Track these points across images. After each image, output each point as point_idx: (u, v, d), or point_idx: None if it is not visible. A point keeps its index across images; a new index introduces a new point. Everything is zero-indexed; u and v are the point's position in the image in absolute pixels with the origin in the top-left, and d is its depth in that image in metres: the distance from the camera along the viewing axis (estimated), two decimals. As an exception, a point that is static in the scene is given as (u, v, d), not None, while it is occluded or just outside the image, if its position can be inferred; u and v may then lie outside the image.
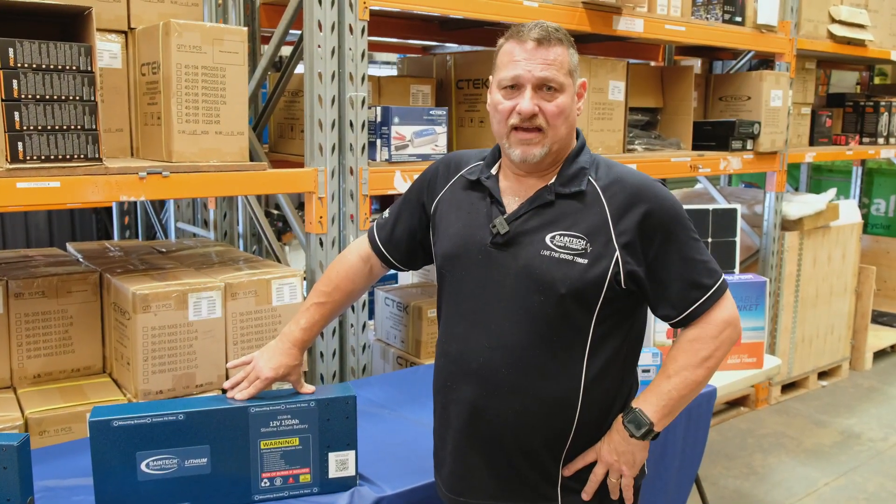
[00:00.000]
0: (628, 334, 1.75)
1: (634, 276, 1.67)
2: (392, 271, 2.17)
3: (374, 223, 2.04)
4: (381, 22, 3.51)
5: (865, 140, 5.65)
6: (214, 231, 3.59)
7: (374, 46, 2.78)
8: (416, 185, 1.97)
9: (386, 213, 2.02)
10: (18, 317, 2.41)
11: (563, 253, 1.66)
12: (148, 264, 2.71)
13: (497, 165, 1.82)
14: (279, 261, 3.07)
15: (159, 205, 4.20)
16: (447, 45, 4.44)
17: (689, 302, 1.69)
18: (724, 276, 1.73)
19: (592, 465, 1.75)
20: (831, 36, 4.89)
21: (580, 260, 1.65)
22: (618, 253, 1.65)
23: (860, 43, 5.05)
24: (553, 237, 1.67)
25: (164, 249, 3.05)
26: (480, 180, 1.80)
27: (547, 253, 1.66)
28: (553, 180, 1.73)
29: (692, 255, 1.69)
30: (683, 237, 1.69)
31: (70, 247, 3.13)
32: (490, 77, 1.75)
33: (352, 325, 2.86)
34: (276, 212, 6.35)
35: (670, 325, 1.74)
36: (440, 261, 1.84)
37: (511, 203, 1.75)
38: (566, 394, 1.69)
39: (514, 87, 1.68)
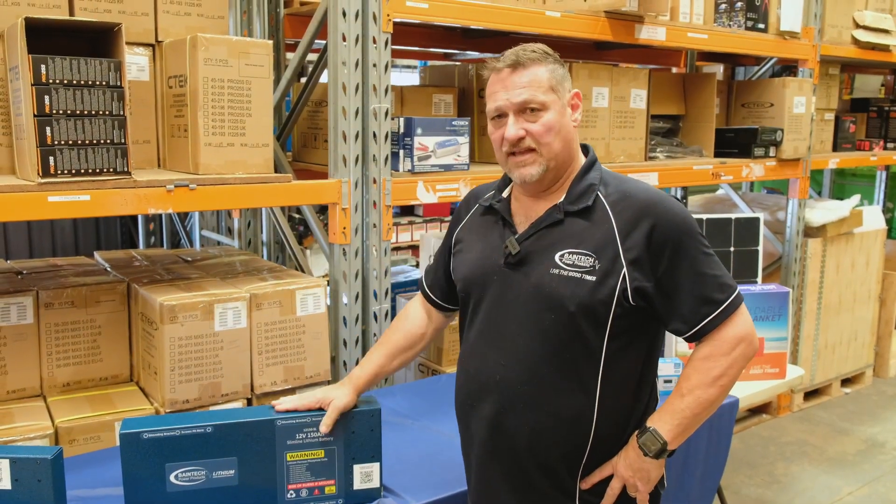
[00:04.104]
0: (643, 350, 1.76)
1: (643, 292, 1.67)
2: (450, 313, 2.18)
3: (425, 269, 2.10)
4: (402, 31, 3.53)
5: (890, 145, 5.59)
6: (238, 239, 3.62)
7: (395, 53, 2.80)
8: (450, 225, 2.04)
9: (431, 259, 2.08)
10: (48, 326, 2.46)
11: (572, 271, 1.67)
12: (174, 274, 2.74)
13: (508, 189, 1.87)
14: (303, 270, 3.10)
15: (184, 213, 4.25)
16: (468, 52, 4.46)
17: (699, 317, 1.68)
18: (738, 291, 1.72)
19: (609, 478, 1.76)
20: (855, 41, 4.86)
21: (588, 277, 1.66)
22: (625, 269, 1.66)
23: (885, 48, 5.01)
24: (562, 255, 1.69)
25: (189, 258, 3.08)
26: (492, 205, 1.86)
27: (556, 271, 1.69)
28: (562, 199, 1.75)
29: (703, 269, 1.68)
30: (694, 252, 1.68)
31: (98, 255, 3.18)
32: None
33: (374, 335, 2.88)
34: (297, 216, 6.37)
35: (683, 339, 1.74)
36: (460, 285, 1.89)
37: (522, 224, 1.79)
38: (581, 409, 1.70)
39: (500, 116, 1.73)
